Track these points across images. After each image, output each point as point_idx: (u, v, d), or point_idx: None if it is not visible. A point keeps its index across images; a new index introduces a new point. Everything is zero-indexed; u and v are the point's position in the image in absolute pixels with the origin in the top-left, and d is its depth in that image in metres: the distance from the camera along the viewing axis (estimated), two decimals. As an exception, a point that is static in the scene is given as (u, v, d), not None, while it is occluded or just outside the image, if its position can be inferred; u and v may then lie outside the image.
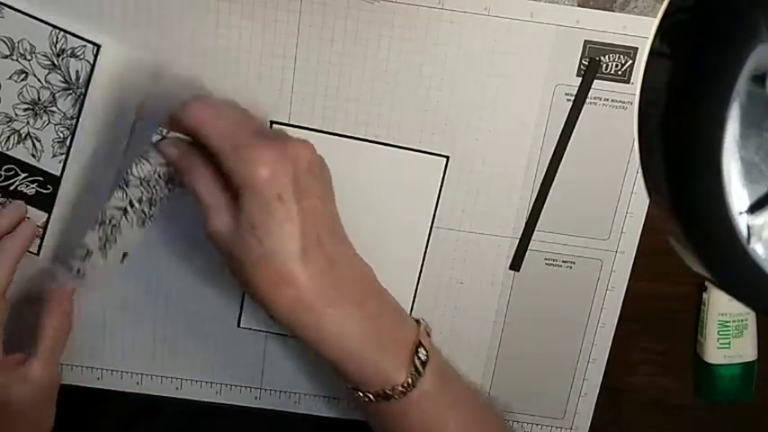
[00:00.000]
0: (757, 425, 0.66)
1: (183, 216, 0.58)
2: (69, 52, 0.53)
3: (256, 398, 0.62)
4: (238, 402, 0.62)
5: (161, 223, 0.58)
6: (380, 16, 0.54)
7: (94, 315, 0.60)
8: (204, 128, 0.46)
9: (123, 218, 0.52)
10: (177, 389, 0.62)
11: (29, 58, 0.53)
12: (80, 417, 0.64)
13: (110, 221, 0.52)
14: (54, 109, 0.54)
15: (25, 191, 0.56)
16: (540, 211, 0.58)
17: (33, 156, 0.55)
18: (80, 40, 0.52)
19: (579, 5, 0.53)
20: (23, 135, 0.55)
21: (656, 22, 0.35)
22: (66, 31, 0.52)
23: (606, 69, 0.54)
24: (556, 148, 0.56)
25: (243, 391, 0.62)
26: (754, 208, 0.34)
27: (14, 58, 0.53)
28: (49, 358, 0.53)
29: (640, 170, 0.37)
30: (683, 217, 0.35)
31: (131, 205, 0.51)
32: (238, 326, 0.61)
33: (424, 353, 0.52)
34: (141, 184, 0.50)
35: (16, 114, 0.54)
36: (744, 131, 0.34)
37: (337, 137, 0.56)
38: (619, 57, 0.54)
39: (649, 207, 0.57)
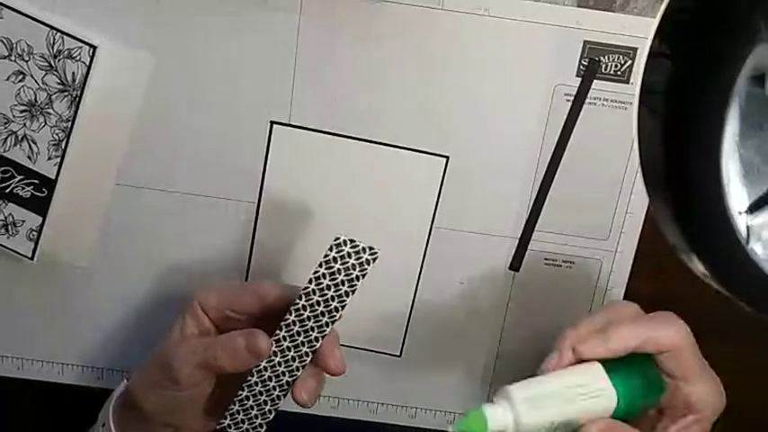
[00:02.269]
0: (757, 425, 0.65)
1: (184, 217, 0.58)
2: (66, 53, 0.52)
3: (256, 398, 0.62)
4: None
5: (165, 227, 0.58)
6: (380, 16, 0.54)
7: (95, 315, 0.60)
8: None
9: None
10: (177, 389, 0.62)
11: (26, 58, 0.53)
12: (80, 416, 0.64)
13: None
14: (50, 111, 0.54)
15: (21, 193, 0.55)
16: (540, 211, 0.58)
17: (29, 158, 0.55)
18: (76, 42, 0.52)
19: (579, 6, 0.53)
20: (20, 137, 0.54)
21: (655, 22, 0.35)
22: (63, 32, 0.52)
23: (606, 69, 0.54)
24: (556, 148, 0.56)
25: (243, 391, 0.62)
26: (754, 208, 0.34)
27: (12, 58, 0.53)
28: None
29: (640, 170, 0.37)
30: (682, 217, 0.35)
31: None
32: (238, 326, 0.61)
33: None
34: None
35: (13, 116, 0.54)
36: (743, 131, 0.34)
37: (337, 137, 0.56)
38: (618, 57, 0.54)
39: (649, 207, 0.57)
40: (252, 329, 0.49)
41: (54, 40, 0.52)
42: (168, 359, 0.49)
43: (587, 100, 0.55)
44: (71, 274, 0.59)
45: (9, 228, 0.56)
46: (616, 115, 0.55)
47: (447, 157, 0.57)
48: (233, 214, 0.58)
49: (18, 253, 0.57)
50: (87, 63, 0.52)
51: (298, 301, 0.49)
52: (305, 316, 0.50)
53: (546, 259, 0.59)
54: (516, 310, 0.60)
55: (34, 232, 0.56)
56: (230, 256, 0.59)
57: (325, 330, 0.50)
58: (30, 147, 0.55)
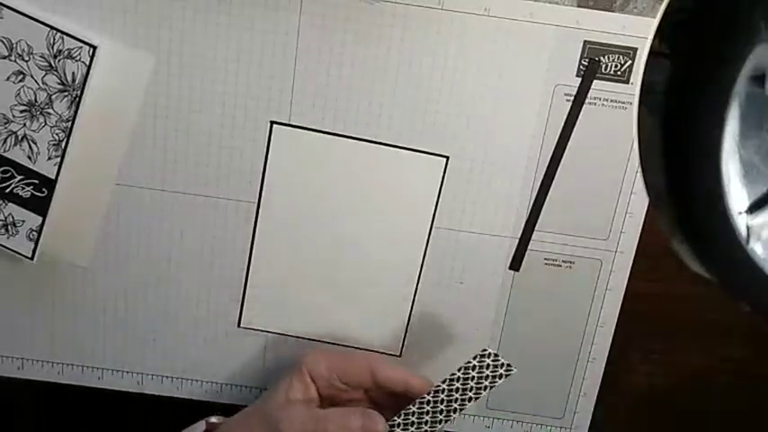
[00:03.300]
0: (757, 424, 0.66)
1: (184, 217, 0.58)
2: (66, 53, 0.52)
3: (256, 397, 0.62)
4: (238, 402, 0.62)
5: (165, 227, 0.58)
6: (380, 16, 0.54)
7: (95, 315, 0.60)
8: None
9: None
10: (177, 388, 0.62)
11: (26, 59, 0.53)
12: (80, 416, 0.64)
13: None
14: (50, 111, 0.54)
15: (21, 193, 0.55)
16: (540, 211, 0.58)
17: (29, 158, 0.55)
18: (76, 42, 0.52)
19: (579, 6, 0.53)
20: (20, 137, 0.54)
21: (655, 22, 0.35)
22: (63, 32, 0.52)
23: (606, 69, 0.54)
24: (555, 148, 0.56)
25: (243, 390, 0.62)
26: (754, 208, 0.34)
27: (12, 58, 0.53)
28: None
29: (640, 170, 0.37)
30: (682, 217, 0.35)
31: None
32: (238, 326, 0.61)
33: None
34: None
35: (13, 116, 0.54)
36: (743, 131, 0.34)
37: (337, 137, 0.56)
38: (618, 57, 0.54)
39: (649, 207, 0.57)
40: (370, 411, 0.50)
41: (54, 40, 0.52)
42: (275, 423, 0.48)
43: (587, 100, 0.55)
44: (71, 274, 0.59)
45: (9, 228, 0.56)
46: (616, 115, 0.55)
47: (447, 157, 0.57)
48: (233, 214, 0.58)
49: (18, 253, 0.57)
50: (87, 63, 0.52)
51: (425, 395, 0.51)
52: (425, 410, 0.52)
53: (546, 259, 0.59)
54: (516, 310, 0.60)
55: (34, 232, 0.56)
56: (230, 256, 0.59)
57: (436, 428, 0.52)
58: (30, 147, 0.55)
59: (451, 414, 0.51)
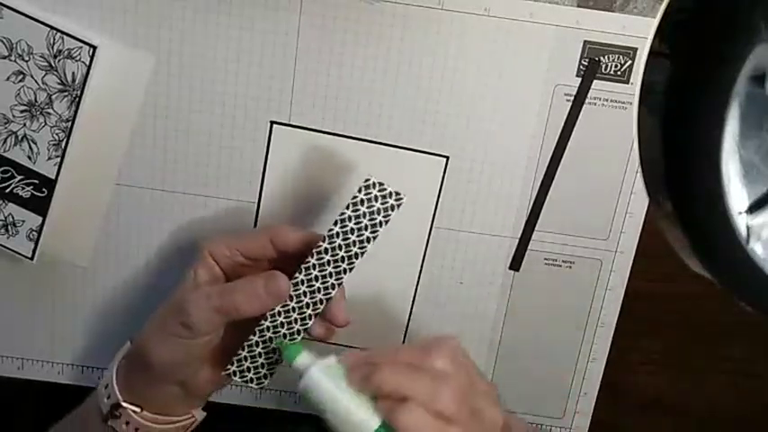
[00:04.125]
0: (757, 424, 0.66)
1: (184, 217, 0.58)
2: (66, 53, 0.52)
3: (256, 398, 0.62)
4: (238, 402, 0.62)
5: (165, 227, 0.58)
6: (380, 16, 0.54)
7: (95, 315, 0.60)
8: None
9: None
10: (177, 389, 0.62)
11: (26, 59, 0.53)
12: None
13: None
14: (50, 111, 0.54)
15: (21, 193, 0.55)
16: (540, 211, 0.58)
17: (29, 158, 0.55)
18: (77, 42, 0.52)
19: (579, 6, 0.53)
20: (20, 137, 0.54)
21: (655, 22, 0.35)
22: (63, 32, 0.52)
23: (606, 69, 0.54)
24: (555, 148, 0.56)
25: (243, 390, 0.62)
26: (754, 208, 0.34)
27: (12, 58, 0.53)
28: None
29: (640, 170, 0.37)
30: (682, 217, 0.35)
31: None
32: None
33: None
34: None
35: (13, 116, 0.54)
36: (743, 131, 0.34)
37: (337, 137, 0.56)
38: (618, 57, 0.54)
39: (649, 207, 0.57)
40: (271, 271, 0.49)
41: (54, 40, 0.52)
42: (183, 305, 0.48)
43: (587, 100, 0.55)
44: (71, 274, 0.59)
45: (9, 228, 0.56)
46: (616, 115, 0.55)
47: (447, 157, 0.57)
48: (233, 214, 0.58)
49: (18, 253, 0.57)
50: (87, 63, 0.52)
51: (321, 243, 0.49)
52: (325, 260, 0.49)
53: (546, 259, 0.59)
54: (516, 310, 0.60)
55: (34, 232, 0.56)
56: (230, 256, 0.59)
57: (342, 277, 0.49)
58: (30, 147, 0.55)
59: (353, 259, 0.49)
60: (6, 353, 0.61)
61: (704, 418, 0.65)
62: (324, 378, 0.46)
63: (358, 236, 0.48)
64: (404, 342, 0.61)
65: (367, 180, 0.48)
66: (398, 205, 0.48)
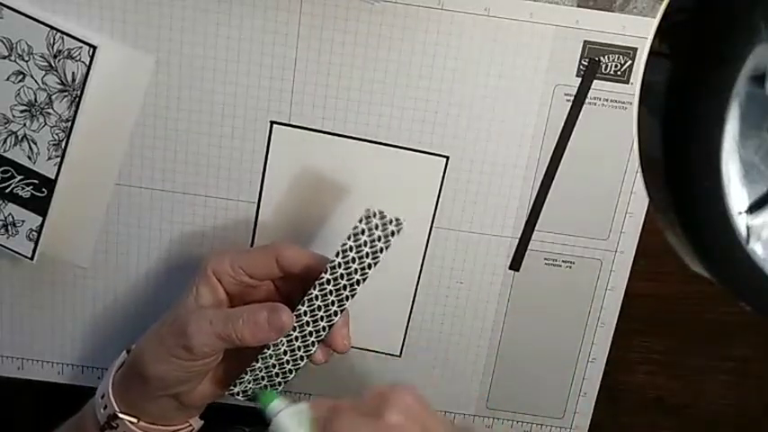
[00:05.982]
0: (757, 424, 0.66)
1: (184, 217, 0.58)
2: (66, 53, 0.52)
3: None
4: (237, 402, 0.62)
5: (165, 227, 0.58)
6: (380, 16, 0.54)
7: (95, 315, 0.60)
8: None
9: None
10: (177, 389, 0.62)
11: (26, 59, 0.53)
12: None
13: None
14: (50, 111, 0.54)
15: (21, 193, 0.55)
16: (540, 211, 0.58)
17: (29, 158, 0.55)
18: (77, 42, 0.52)
19: (579, 6, 0.53)
20: (20, 137, 0.54)
21: (655, 22, 0.35)
22: (63, 32, 0.52)
23: (605, 69, 0.54)
24: (555, 148, 0.56)
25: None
26: (754, 208, 0.34)
27: (12, 58, 0.53)
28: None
29: (640, 170, 0.37)
30: (682, 217, 0.35)
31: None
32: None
33: None
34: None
35: (13, 116, 0.54)
36: (743, 131, 0.34)
37: (337, 137, 0.56)
38: (618, 57, 0.54)
39: (649, 207, 0.57)
40: (275, 304, 0.49)
41: (54, 40, 0.52)
42: (184, 327, 0.48)
43: (587, 100, 0.55)
44: (71, 274, 0.59)
45: (9, 228, 0.56)
46: (616, 115, 0.55)
47: (447, 157, 0.57)
48: (233, 214, 0.58)
49: (18, 253, 0.57)
50: (87, 63, 0.52)
51: (323, 275, 0.49)
52: (327, 290, 0.49)
53: (546, 259, 0.59)
54: (516, 310, 0.60)
55: (34, 232, 0.56)
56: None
57: (344, 305, 0.49)
58: (30, 147, 0.55)
59: (355, 287, 0.49)
60: (6, 353, 0.61)
61: (704, 418, 0.65)
62: (292, 423, 0.47)
63: (359, 264, 0.49)
64: (403, 342, 0.61)
65: (367, 211, 0.49)
66: (399, 231, 0.49)
